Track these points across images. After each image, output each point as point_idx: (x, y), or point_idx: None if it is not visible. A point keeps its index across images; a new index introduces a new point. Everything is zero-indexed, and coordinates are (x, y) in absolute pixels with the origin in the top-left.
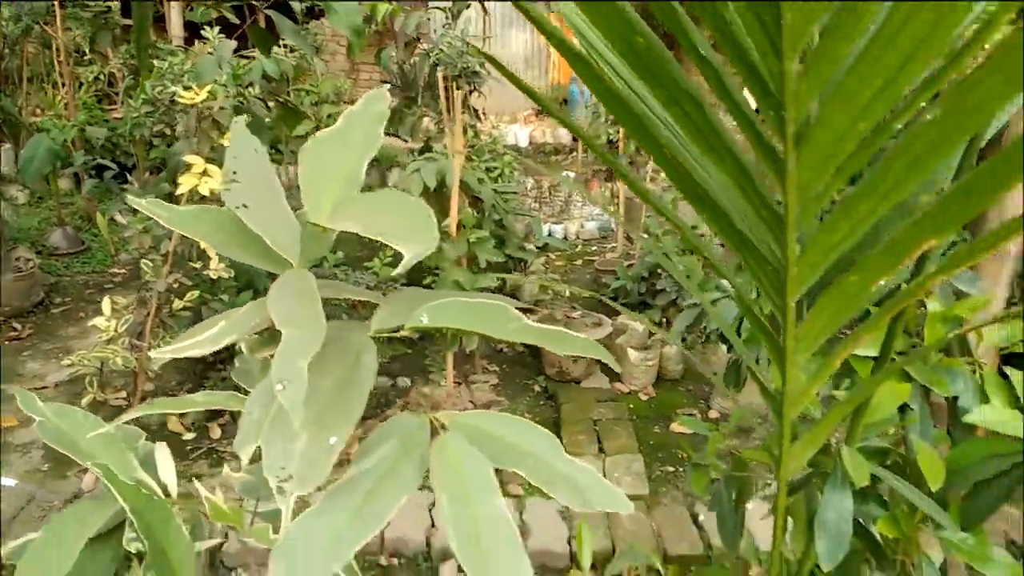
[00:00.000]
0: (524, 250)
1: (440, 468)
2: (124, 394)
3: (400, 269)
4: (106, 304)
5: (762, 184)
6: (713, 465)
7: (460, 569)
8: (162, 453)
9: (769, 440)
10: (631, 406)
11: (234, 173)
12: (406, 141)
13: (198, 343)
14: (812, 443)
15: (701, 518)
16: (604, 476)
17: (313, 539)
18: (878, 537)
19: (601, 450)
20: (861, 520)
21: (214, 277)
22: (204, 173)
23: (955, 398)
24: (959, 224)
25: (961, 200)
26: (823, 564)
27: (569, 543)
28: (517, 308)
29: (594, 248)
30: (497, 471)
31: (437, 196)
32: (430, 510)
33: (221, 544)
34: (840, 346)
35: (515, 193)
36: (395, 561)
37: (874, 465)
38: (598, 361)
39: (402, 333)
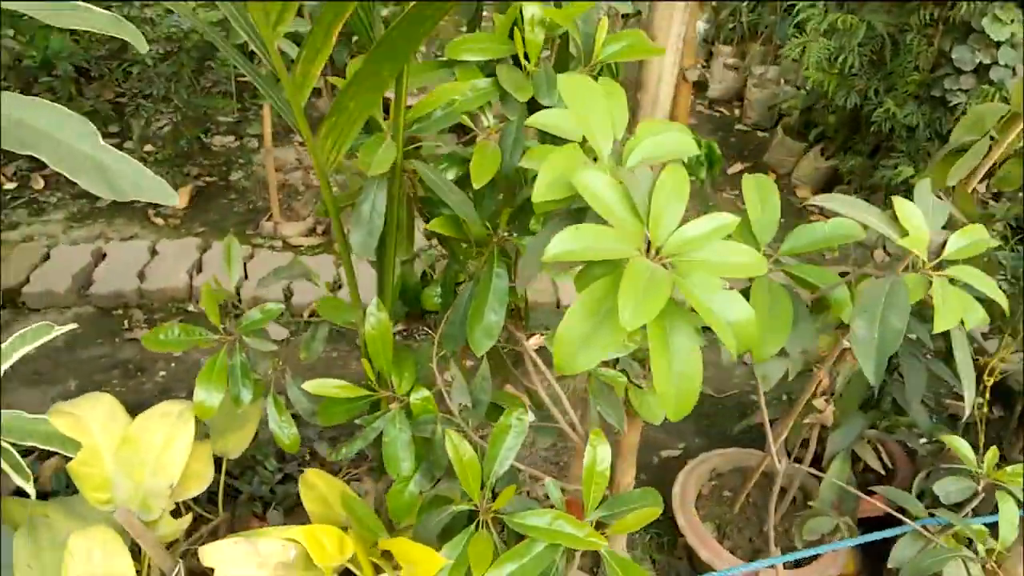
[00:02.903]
0: None
1: None
2: None
3: None
4: None
5: None
6: None
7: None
8: None
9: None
10: None
11: None
12: None
13: None
14: (333, 134)
15: None
16: None
17: None
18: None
19: None
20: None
21: None
22: None
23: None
24: None
25: None
26: (357, 252)
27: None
28: None
29: None
30: None
31: None
32: (245, 264)
33: (21, 285)
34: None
35: None
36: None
37: (435, 168)
38: None
39: None
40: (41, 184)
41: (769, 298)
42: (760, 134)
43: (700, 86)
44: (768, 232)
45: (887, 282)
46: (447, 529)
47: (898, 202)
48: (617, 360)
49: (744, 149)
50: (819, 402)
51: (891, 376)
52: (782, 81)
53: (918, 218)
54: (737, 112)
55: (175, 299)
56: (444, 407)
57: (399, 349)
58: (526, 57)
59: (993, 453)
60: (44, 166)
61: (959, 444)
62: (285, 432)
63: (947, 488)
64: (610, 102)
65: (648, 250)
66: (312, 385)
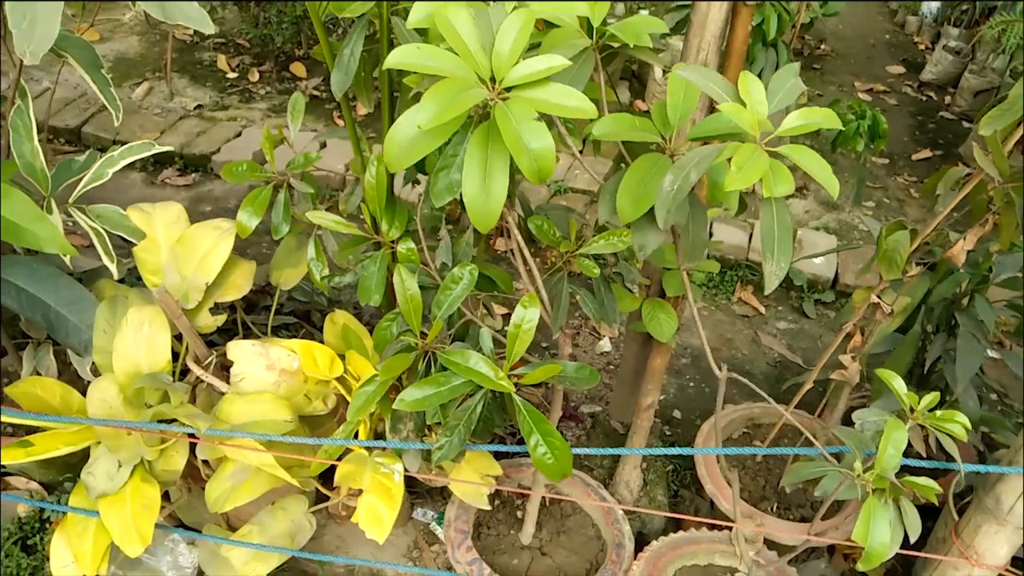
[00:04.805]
0: None
1: None
2: None
3: None
4: None
5: None
6: None
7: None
8: None
9: None
10: None
11: None
12: None
13: None
14: None
15: None
16: None
17: None
18: None
19: None
20: None
21: None
22: None
23: None
24: None
25: None
26: (334, 91)
27: None
28: None
29: None
30: None
31: None
32: None
33: (213, 153)
34: None
35: None
36: None
37: None
38: None
39: None
40: (256, 77)
41: (651, 166)
42: (966, 124)
43: (914, 67)
44: (683, 117)
45: (710, 147)
46: None
47: (744, 75)
48: (616, 260)
49: (940, 137)
50: (845, 358)
51: (947, 354)
52: (1008, 72)
53: (759, 93)
54: (947, 99)
55: (329, 186)
56: None
57: (396, 202)
58: None
59: (932, 397)
60: (262, 62)
61: (893, 380)
62: (317, 270)
63: (867, 419)
64: None
65: (492, 83)
66: (313, 215)
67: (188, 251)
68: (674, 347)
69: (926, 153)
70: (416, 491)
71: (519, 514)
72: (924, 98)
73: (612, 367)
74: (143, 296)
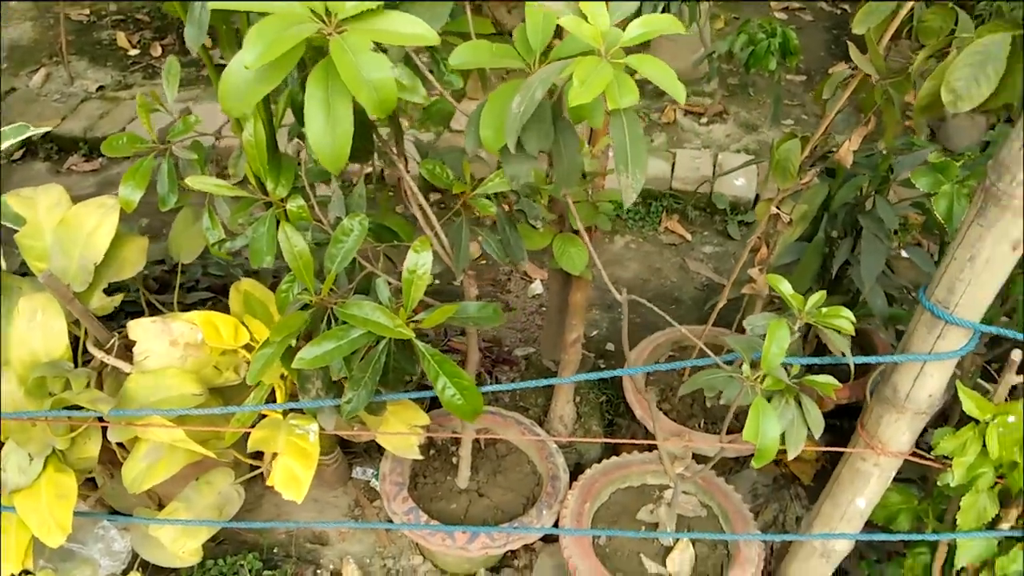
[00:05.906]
0: None
1: None
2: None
3: None
4: None
5: None
6: None
7: None
8: None
9: None
10: None
11: None
12: None
13: None
14: None
15: None
16: None
17: None
18: None
19: None
20: None
21: None
22: None
23: None
24: None
25: None
26: (189, 46)
27: None
28: None
29: None
30: None
31: None
32: None
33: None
34: None
35: None
36: None
37: None
38: None
39: None
40: (159, 52)
41: (513, 92)
42: None
43: None
44: (543, 40)
45: (554, 64)
46: None
47: None
48: (518, 198)
49: None
50: (754, 272)
51: (853, 258)
52: None
53: (600, 7)
54: None
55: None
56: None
57: (281, 159)
58: None
59: (819, 296)
60: (164, 35)
61: (779, 283)
62: (213, 237)
63: (756, 323)
64: None
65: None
66: (193, 180)
67: (72, 232)
68: (593, 280)
69: (842, 67)
70: (354, 451)
71: (455, 460)
72: (839, 12)
73: (544, 309)
74: (36, 285)
